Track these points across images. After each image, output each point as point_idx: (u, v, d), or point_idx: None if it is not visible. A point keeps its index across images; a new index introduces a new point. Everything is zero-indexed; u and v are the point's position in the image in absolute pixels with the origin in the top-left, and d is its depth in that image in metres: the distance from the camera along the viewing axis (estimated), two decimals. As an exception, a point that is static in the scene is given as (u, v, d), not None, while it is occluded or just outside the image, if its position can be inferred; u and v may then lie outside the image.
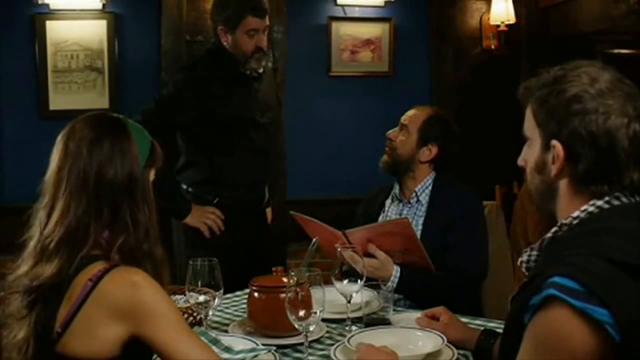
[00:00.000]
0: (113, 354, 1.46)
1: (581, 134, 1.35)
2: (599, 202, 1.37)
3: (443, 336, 1.93)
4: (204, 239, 3.04)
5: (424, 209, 2.68)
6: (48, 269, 1.48)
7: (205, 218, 3.04)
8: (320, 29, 4.74)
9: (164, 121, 2.91)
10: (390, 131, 2.77)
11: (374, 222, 2.65)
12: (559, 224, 1.42)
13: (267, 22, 3.12)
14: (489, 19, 4.89)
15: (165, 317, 1.47)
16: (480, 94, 4.79)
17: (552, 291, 1.21)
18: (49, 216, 1.52)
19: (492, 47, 4.91)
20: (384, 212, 2.80)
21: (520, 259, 1.50)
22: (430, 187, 2.71)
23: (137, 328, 1.46)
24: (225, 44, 3.08)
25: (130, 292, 1.45)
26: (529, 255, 1.48)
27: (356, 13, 4.77)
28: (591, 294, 1.18)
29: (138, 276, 1.48)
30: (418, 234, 2.60)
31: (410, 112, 2.77)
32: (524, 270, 1.50)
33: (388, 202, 2.81)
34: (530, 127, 1.46)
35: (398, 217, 2.71)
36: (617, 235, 1.29)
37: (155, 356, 1.56)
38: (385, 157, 2.76)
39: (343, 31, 4.74)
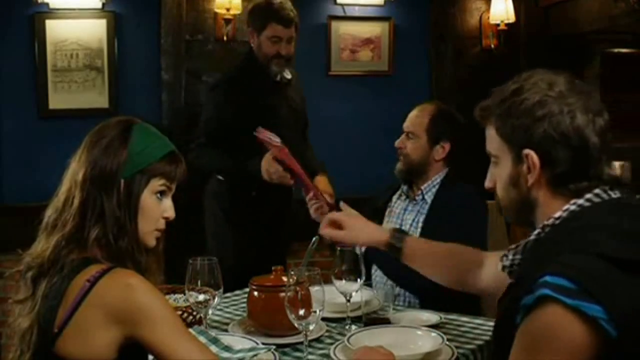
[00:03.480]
0: (109, 357, 1.45)
1: (553, 137, 1.38)
2: (580, 201, 1.39)
3: (443, 335, 1.94)
4: (234, 221, 3.32)
5: (427, 207, 2.69)
6: (42, 248, 1.52)
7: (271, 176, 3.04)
8: (319, 28, 4.73)
9: (218, 141, 3.18)
10: (397, 141, 2.76)
11: (380, 215, 2.71)
12: (541, 225, 1.43)
13: (293, 33, 3.26)
14: (488, 18, 4.89)
15: (162, 319, 1.46)
16: (479, 93, 4.75)
17: (545, 291, 1.22)
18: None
19: (492, 46, 4.90)
20: (390, 206, 2.81)
21: (501, 264, 1.50)
22: (437, 187, 2.71)
23: (133, 331, 1.45)
24: (252, 45, 3.29)
25: (126, 295, 1.45)
26: (512, 260, 1.48)
27: (356, 12, 4.76)
28: (583, 290, 1.19)
29: (134, 278, 1.47)
30: (418, 232, 2.60)
31: (412, 117, 2.76)
32: (506, 273, 1.50)
33: (395, 197, 2.81)
34: (495, 144, 1.48)
35: (402, 212, 2.73)
36: (603, 231, 1.30)
37: (152, 358, 1.55)
38: (399, 166, 2.76)
39: (343, 30, 4.74)
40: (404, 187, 2.78)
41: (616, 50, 5.12)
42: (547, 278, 1.23)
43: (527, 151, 1.40)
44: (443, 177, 2.73)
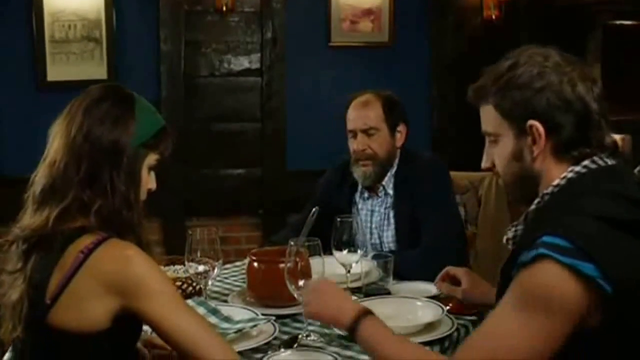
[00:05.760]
0: (103, 327, 1.44)
1: (557, 105, 1.40)
2: (577, 168, 1.41)
3: (443, 306, 1.94)
4: None
5: (392, 200, 2.64)
6: (36, 219, 1.49)
7: None
8: (320, -2, 4.69)
9: None
10: (355, 144, 2.64)
11: (346, 217, 2.27)
12: (540, 195, 1.45)
13: None
14: (490, -11, 4.85)
15: (160, 292, 1.45)
16: (480, 64, 4.74)
17: (541, 250, 1.25)
18: (41, 165, 1.54)
19: (493, 17, 4.86)
20: (355, 203, 2.73)
21: (505, 237, 1.52)
22: (394, 177, 2.65)
23: (129, 302, 1.44)
24: None
25: (122, 266, 1.44)
26: (515, 231, 1.50)
27: (356, -18, 4.72)
28: (578, 249, 1.23)
29: (131, 250, 1.46)
30: (392, 227, 2.59)
31: (361, 113, 2.65)
32: (510, 247, 1.51)
33: (357, 196, 2.74)
34: (493, 122, 1.49)
35: (370, 215, 2.67)
36: (600, 195, 1.33)
37: (147, 327, 1.55)
38: (367, 170, 2.62)
39: (343, 0, 4.70)
40: (364, 189, 2.69)
41: (618, 22, 5.08)
42: (545, 238, 1.26)
43: (531, 122, 1.41)
44: (398, 164, 2.66)
